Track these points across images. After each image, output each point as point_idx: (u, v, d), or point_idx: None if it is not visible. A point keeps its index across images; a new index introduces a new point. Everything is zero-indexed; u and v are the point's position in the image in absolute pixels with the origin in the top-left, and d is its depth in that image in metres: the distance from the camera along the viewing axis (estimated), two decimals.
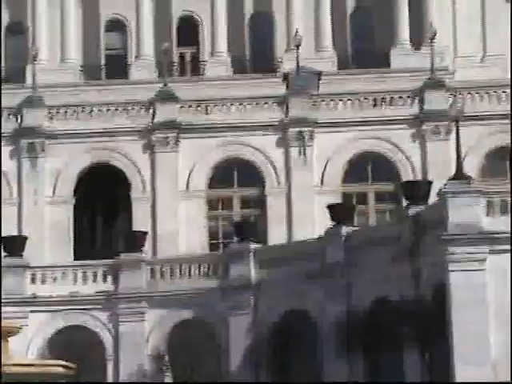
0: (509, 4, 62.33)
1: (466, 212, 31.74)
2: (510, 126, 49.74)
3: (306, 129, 51.93)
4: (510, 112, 50.30)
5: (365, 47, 62.28)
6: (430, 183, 38.74)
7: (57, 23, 62.01)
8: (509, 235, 31.12)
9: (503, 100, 52.25)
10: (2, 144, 51.14)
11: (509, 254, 31.02)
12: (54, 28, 61.94)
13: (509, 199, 32.35)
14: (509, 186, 34.26)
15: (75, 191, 51.12)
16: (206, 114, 53.31)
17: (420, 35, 59.66)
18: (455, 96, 51.51)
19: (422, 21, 60.32)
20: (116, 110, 53.36)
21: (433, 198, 36.28)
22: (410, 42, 60.34)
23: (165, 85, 53.28)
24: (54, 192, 50.79)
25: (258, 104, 53.62)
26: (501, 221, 31.87)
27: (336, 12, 62.02)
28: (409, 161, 50.40)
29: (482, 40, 62.84)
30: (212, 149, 51.44)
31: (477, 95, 51.90)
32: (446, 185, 33.21)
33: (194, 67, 63.15)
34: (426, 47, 57.47)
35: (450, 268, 31.65)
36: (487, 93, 51.73)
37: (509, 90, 51.23)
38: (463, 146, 39.02)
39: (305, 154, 51.77)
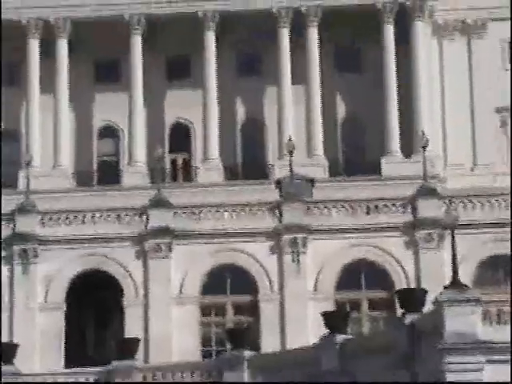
0: (497, 114, 63.75)
1: (462, 321, 31.38)
2: (502, 234, 49.80)
3: (299, 235, 51.52)
4: (503, 221, 50.09)
5: (356, 155, 63.30)
6: (425, 292, 38.80)
7: (50, 130, 62.76)
8: (508, 344, 31.12)
9: (496, 208, 52.12)
10: None
11: (508, 365, 30.96)
12: (47, 134, 62.61)
13: (505, 308, 32.52)
14: (505, 295, 34.50)
15: (67, 297, 50.47)
16: (199, 220, 52.97)
17: (410, 143, 60.46)
18: (450, 204, 51.64)
19: (412, 129, 61.09)
20: (108, 216, 52.92)
21: (428, 306, 36.49)
22: (401, 149, 61.06)
23: (158, 191, 53.18)
24: (45, 298, 50.14)
25: (251, 210, 53.18)
26: (498, 330, 32.01)
27: (327, 120, 62.90)
28: (402, 268, 50.04)
29: (472, 149, 63.72)
30: (205, 255, 51.02)
31: (469, 203, 51.93)
32: (441, 293, 33.06)
33: (186, 173, 63.80)
34: (416, 155, 58.13)
35: (447, 377, 31.15)
36: (479, 201, 52.02)
37: (501, 199, 51.64)
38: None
39: (298, 260, 51.19)
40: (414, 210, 51.51)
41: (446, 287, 33.44)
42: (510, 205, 50.92)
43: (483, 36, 64.68)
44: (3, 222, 51.74)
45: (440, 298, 32.44)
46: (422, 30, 62.83)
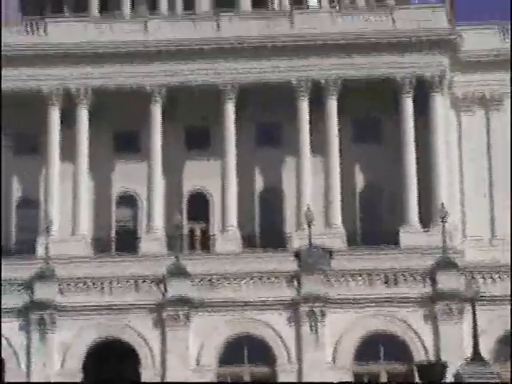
0: None
1: None
2: None
3: (317, 306, 51.07)
4: None
5: (374, 225, 63.35)
6: (445, 366, 38.58)
7: (69, 197, 63.00)
8: None
9: None
10: (12, 317, 50.50)
11: None
12: (66, 202, 62.83)
13: None
14: None
15: (84, 365, 50.16)
16: (217, 289, 52.52)
17: (429, 214, 60.49)
18: (469, 277, 51.17)
19: (430, 201, 61.16)
20: (126, 284, 52.84)
21: (447, 379, 36.21)
22: (419, 220, 61.03)
23: (176, 259, 52.91)
24: (62, 365, 49.91)
25: (269, 280, 52.71)
26: None
27: (346, 190, 63.06)
28: (421, 340, 49.50)
29: (490, 222, 63.71)
30: (222, 325, 50.65)
31: (489, 277, 51.52)
32: (463, 367, 33.04)
33: (204, 242, 63.91)
34: (434, 226, 58.24)
35: None
36: (499, 275, 51.46)
37: None
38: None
39: (316, 331, 50.76)
40: (433, 281, 51.03)
41: (467, 361, 33.41)
42: None
43: (500, 109, 65.02)
44: (22, 289, 51.74)
45: (462, 371, 32.37)
46: (440, 103, 63.25)
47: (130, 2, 79.64)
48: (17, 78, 63.96)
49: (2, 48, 63.61)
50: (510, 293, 49.71)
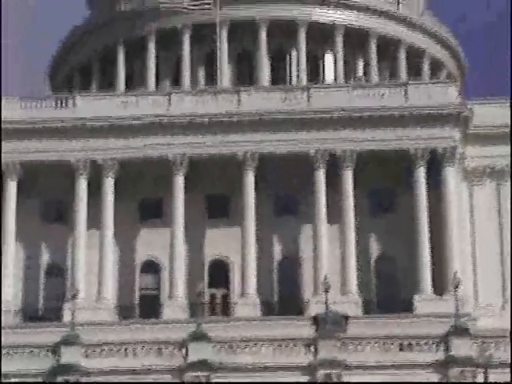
0: None
1: None
2: None
3: (334, 371, 50.50)
4: None
5: (389, 292, 62.99)
6: None
7: (95, 264, 62.92)
8: None
9: None
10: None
11: None
12: (92, 268, 62.83)
13: None
14: None
15: None
16: (236, 354, 52.14)
17: (442, 282, 60.23)
18: (482, 343, 50.95)
19: (443, 269, 60.87)
20: (149, 349, 52.85)
21: None
22: (433, 288, 60.74)
23: (197, 325, 52.51)
24: None
25: (287, 345, 52.25)
26: None
27: (361, 258, 63.01)
28: None
29: (501, 290, 63.44)
30: None
31: (502, 343, 51.35)
32: None
33: (225, 308, 63.53)
34: (447, 294, 57.97)
35: None
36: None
37: None
38: None
39: None
40: (447, 348, 50.62)
41: None
42: None
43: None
44: (48, 353, 51.77)
45: None
46: (452, 175, 63.23)
47: (154, 77, 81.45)
48: (46, 150, 64.53)
49: (34, 121, 64.68)
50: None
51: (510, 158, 65.15)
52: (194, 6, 75.60)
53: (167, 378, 51.50)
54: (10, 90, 69.88)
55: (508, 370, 49.12)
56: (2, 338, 55.83)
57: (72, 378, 51.26)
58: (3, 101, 65.77)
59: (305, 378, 51.14)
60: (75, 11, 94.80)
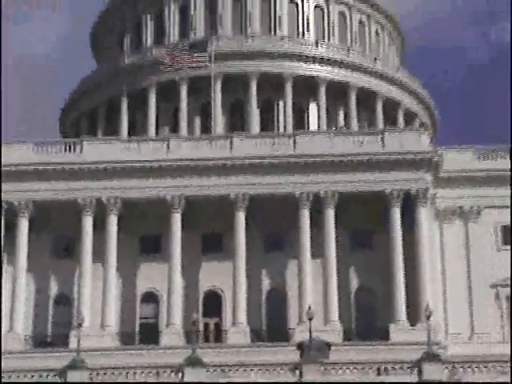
0: (492, 289, 63.50)
1: None
2: None
3: None
4: None
5: (367, 321, 62.79)
6: None
7: (99, 295, 62.38)
8: None
9: (492, 373, 50.67)
10: None
11: None
12: (96, 299, 62.30)
13: None
14: None
15: None
16: (228, 377, 51.62)
17: (415, 313, 59.80)
18: (452, 368, 50.74)
19: (417, 301, 60.47)
20: (149, 373, 52.49)
21: None
22: (407, 318, 60.43)
23: (193, 351, 51.60)
24: None
25: (274, 369, 52.08)
26: None
27: (342, 290, 62.62)
28: None
29: (469, 320, 63.14)
30: None
31: (469, 368, 51.30)
32: None
33: (218, 335, 63.17)
34: (420, 324, 57.34)
35: None
36: (478, 367, 51.21)
37: (498, 365, 50.92)
38: None
39: None
40: (420, 372, 49.65)
41: None
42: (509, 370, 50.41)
43: (478, 220, 65.46)
44: (56, 377, 51.42)
45: None
46: (425, 215, 63.04)
47: (154, 125, 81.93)
48: (56, 190, 64.45)
49: (45, 164, 64.70)
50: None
51: (477, 199, 65.60)
52: (190, 62, 75.82)
53: None
54: (25, 135, 69.61)
55: None
56: (13, 363, 56.08)
57: None
58: (18, 145, 66.17)
59: None
60: (83, 64, 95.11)
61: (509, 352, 56.05)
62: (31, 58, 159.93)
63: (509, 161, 66.47)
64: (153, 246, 65.68)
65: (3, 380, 52.40)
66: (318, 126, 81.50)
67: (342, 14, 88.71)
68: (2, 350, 59.03)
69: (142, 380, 52.40)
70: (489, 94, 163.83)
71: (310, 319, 52.12)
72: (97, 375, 52.17)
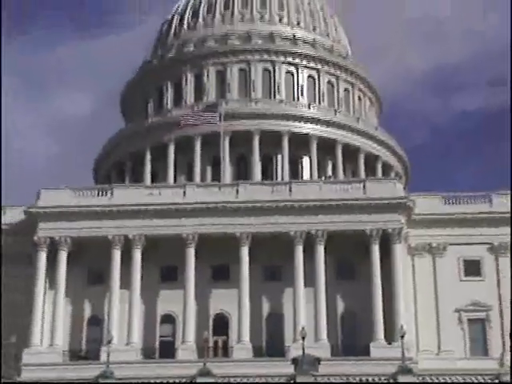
0: (456, 313, 62.89)
1: None
2: None
3: None
4: None
5: (351, 340, 62.16)
6: None
7: (125, 316, 62.25)
8: None
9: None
10: None
11: None
12: (123, 319, 62.21)
13: None
14: None
15: None
16: None
17: (392, 333, 59.46)
18: (422, 379, 50.85)
19: (393, 323, 59.93)
20: (167, 382, 53.11)
21: None
22: (385, 337, 60.28)
23: (204, 364, 52.30)
24: None
25: (272, 380, 53.29)
26: None
27: (330, 313, 62.35)
28: None
29: (437, 339, 62.53)
30: None
31: (436, 380, 51.40)
32: None
33: (225, 351, 62.64)
34: (396, 342, 56.84)
35: None
36: (444, 378, 51.52)
37: (461, 378, 51.07)
38: None
39: None
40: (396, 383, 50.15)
41: None
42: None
43: (444, 255, 65.11)
44: None
45: None
46: (399, 250, 62.72)
47: (172, 173, 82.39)
48: (90, 228, 64.45)
49: (80, 206, 64.87)
50: None
51: (444, 238, 65.22)
52: (203, 121, 76.36)
53: None
54: (64, 182, 69.88)
55: None
56: (53, 374, 56.82)
57: None
58: (59, 191, 66.49)
59: None
60: (115, 125, 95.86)
61: (469, 366, 56.56)
62: (75, 119, 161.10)
63: (469, 205, 66.56)
64: (171, 275, 64.93)
65: None
66: (310, 175, 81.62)
67: (330, 82, 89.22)
68: (44, 362, 59.32)
69: None
70: (453, 150, 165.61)
71: (303, 338, 52.13)
72: None
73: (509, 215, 64.48)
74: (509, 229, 64.02)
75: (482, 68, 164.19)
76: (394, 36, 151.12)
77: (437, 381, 51.84)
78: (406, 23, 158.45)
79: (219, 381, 52.24)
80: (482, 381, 52.22)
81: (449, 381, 51.94)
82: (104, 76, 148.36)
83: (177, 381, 53.10)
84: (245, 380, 53.32)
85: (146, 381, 53.42)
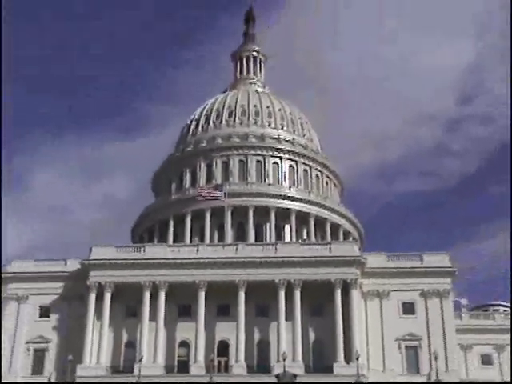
0: (396, 341, 62.45)
1: None
2: None
3: None
4: None
5: (319, 361, 62.19)
6: None
7: (152, 341, 62.14)
8: None
9: None
10: None
11: None
12: (151, 344, 62.33)
13: None
14: None
15: None
16: None
17: (349, 355, 59.66)
18: None
19: (350, 347, 60.03)
20: None
21: None
22: (344, 359, 60.04)
23: (210, 378, 52.15)
24: None
25: None
26: None
27: (304, 341, 62.10)
28: None
29: (382, 361, 62.25)
30: None
31: None
32: None
33: (226, 368, 62.20)
34: (352, 362, 56.99)
35: None
36: None
37: None
38: None
39: None
40: None
41: None
42: None
43: (388, 298, 65.18)
44: None
45: None
46: (355, 295, 62.96)
47: (189, 235, 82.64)
48: (127, 275, 64.81)
49: (121, 259, 65.13)
50: None
51: (386, 286, 64.82)
52: (212, 197, 76.58)
53: None
54: (109, 242, 69.98)
55: None
56: None
57: None
58: (105, 248, 66.16)
59: None
60: (145, 200, 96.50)
61: (406, 380, 56.67)
62: (118, 196, 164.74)
63: (406, 262, 66.32)
64: (186, 312, 64.79)
65: None
66: (290, 238, 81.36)
67: (305, 170, 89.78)
68: (92, 375, 59.22)
69: None
70: (395, 221, 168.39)
71: (284, 359, 52.40)
72: None
73: (437, 269, 65.31)
74: (436, 279, 64.85)
75: (414, 163, 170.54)
76: (351, 142, 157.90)
77: None
78: (360, 134, 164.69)
79: None
80: None
81: None
82: (139, 167, 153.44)
83: None
84: None
85: None
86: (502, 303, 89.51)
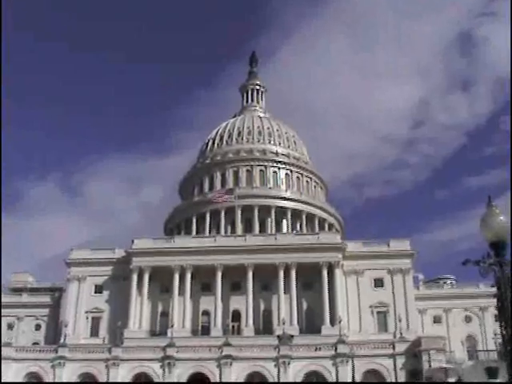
0: (367, 308, 62.08)
1: None
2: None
3: (286, 360, 49.77)
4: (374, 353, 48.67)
5: (311, 324, 62.16)
6: None
7: (181, 311, 62.02)
8: None
9: (370, 349, 50.61)
10: None
11: None
12: (180, 313, 62.86)
13: None
14: None
15: None
16: (243, 350, 50.93)
17: (334, 319, 59.56)
18: (351, 347, 49.92)
19: (334, 313, 60.22)
20: (206, 346, 51.95)
21: None
22: (329, 322, 59.73)
23: (226, 338, 52.30)
24: None
25: (265, 347, 51.61)
26: None
27: (298, 309, 62.33)
28: None
29: (359, 323, 62.61)
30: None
31: (359, 346, 50.54)
32: None
33: (239, 331, 62.05)
34: (336, 325, 57.26)
35: None
36: (363, 345, 50.95)
37: (373, 345, 50.43)
38: None
39: (285, 370, 49.26)
40: (336, 348, 50.02)
41: None
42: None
43: (363, 275, 65.09)
44: (161, 350, 50.76)
45: None
46: (338, 273, 63.28)
47: (208, 229, 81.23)
48: (161, 261, 64.62)
49: (156, 248, 64.83)
50: None
51: (361, 265, 64.50)
52: (226, 199, 75.99)
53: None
54: (147, 234, 71.56)
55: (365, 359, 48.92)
56: (140, 342, 55.46)
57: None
58: (145, 239, 66.34)
59: (273, 364, 50.96)
60: (173, 200, 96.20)
61: (377, 338, 55.96)
62: (153, 201, 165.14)
63: (377, 247, 65.99)
64: (207, 288, 64.91)
65: None
66: (287, 230, 79.16)
67: (298, 177, 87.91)
68: (136, 337, 58.61)
69: (201, 352, 51.92)
70: (366, 216, 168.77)
71: (283, 323, 53.88)
72: (181, 348, 52.79)
73: (400, 252, 65.15)
74: (399, 260, 64.76)
75: (378, 174, 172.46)
76: (332, 155, 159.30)
77: (359, 347, 51.45)
78: (338, 150, 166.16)
79: (236, 347, 52.23)
80: (386, 346, 51.98)
81: (365, 347, 51.39)
82: (167, 180, 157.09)
83: (211, 348, 52.42)
84: (249, 346, 53.00)
85: (194, 348, 53.59)
86: (449, 276, 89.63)
